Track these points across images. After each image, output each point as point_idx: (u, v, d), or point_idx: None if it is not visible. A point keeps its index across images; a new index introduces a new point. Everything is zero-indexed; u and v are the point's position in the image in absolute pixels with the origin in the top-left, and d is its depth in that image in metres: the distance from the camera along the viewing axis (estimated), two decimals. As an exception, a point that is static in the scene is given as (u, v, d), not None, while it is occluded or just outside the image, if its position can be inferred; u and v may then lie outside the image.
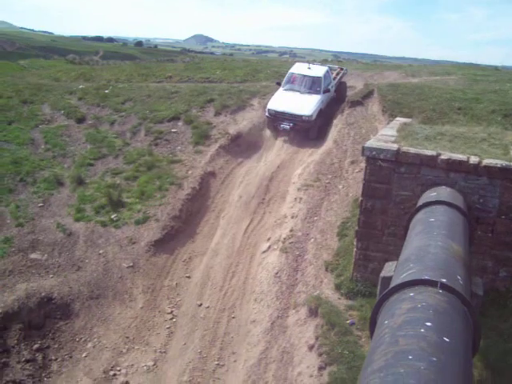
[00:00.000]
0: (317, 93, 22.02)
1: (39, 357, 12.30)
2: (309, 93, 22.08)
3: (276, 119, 21.15)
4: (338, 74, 25.33)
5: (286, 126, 20.86)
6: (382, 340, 3.59)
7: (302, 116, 20.91)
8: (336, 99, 23.93)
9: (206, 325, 12.99)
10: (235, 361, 11.78)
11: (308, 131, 21.09)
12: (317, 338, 10.53)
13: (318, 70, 23.28)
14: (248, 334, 12.29)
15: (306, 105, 21.28)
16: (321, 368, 9.85)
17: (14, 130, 21.50)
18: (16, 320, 12.69)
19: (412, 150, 10.28)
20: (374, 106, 21.54)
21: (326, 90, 22.40)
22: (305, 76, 22.91)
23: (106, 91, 25.46)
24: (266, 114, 21.54)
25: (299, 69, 23.71)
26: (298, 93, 22.20)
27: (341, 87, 24.85)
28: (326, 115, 22.21)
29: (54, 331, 12.98)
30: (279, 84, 23.14)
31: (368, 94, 22.57)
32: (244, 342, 12.14)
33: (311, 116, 20.94)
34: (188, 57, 60.31)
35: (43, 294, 13.48)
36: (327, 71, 23.39)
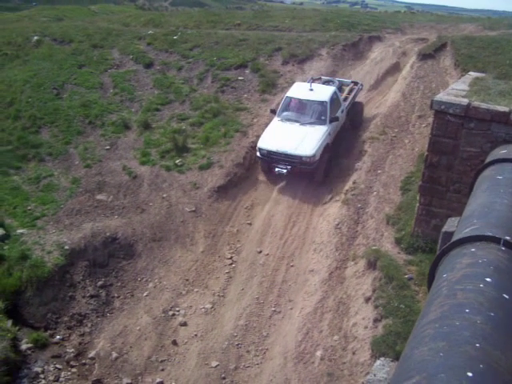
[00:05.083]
0: (321, 123, 16.71)
1: (103, 293, 12.83)
2: (311, 123, 16.75)
3: (270, 160, 16.29)
4: (350, 91, 19.58)
5: (281, 169, 15.94)
6: (440, 292, 3.57)
7: (301, 157, 15.78)
8: (347, 126, 18.75)
9: (264, 272, 13.18)
10: (291, 308, 11.94)
11: (312, 175, 16.31)
12: (374, 291, 10.55)
13: (323, 92, 17.60)
14: (306, 282, 12.41)
15: (306, 141, 16.09)
16: (376, 320, 9.90)
17: (84, 74, 21.94)
18: (82, 257, 13.24)
19: (483, 106, 9.92)
20: (447, 59, 20.87)
21: (334, 119, 16.88)
22: (305, 101, 17.42)
23: (175, 37, 25.48)
24: (257, 153, 16.56)
25: (298, 91, 17.95)
26: (296, 124, 16.85)
27: (354, 109, 19.12)
28: (334, 151, 17.29)
29: (117, 270, 13.45)
30: (274, 112, 17.78)
31: (440, 47, 21.83)
32: (301, 290, 12.27)
33: (314, 156, 15.74)
34: (257, 5, 59.62)
35: (108, 234, 13.95)
36: (334, 92, 17.72)
